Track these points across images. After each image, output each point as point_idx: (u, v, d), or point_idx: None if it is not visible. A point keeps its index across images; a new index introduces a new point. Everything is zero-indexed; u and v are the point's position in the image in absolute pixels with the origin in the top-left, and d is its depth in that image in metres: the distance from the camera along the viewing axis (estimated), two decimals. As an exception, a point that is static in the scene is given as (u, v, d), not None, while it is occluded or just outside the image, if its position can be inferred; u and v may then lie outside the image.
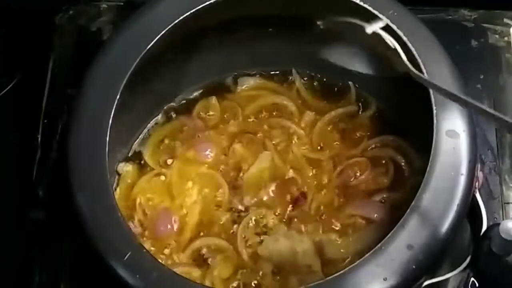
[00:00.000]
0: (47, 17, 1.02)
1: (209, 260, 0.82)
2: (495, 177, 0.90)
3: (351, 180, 0.85)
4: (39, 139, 0.95)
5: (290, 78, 0.93)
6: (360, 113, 0.91)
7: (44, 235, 0.90)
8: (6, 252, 0.90)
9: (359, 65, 0.90)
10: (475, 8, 0.99)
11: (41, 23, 1.02)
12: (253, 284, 0.81)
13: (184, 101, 0.93)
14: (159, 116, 0.92)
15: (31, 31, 1.01)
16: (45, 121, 0.96)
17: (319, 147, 0.89)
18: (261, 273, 0.80)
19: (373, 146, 0.88)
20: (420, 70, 0.74)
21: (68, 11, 1.02)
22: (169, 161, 0.88)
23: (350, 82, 0.91)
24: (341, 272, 0.65)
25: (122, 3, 1.02)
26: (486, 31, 0.98)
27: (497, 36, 0.98)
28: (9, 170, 0.95)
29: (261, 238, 0.82)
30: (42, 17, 1.02)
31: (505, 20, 0.99)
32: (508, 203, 0.89)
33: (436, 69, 0.74)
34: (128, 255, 0.68)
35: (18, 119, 0.99)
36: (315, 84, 0.93)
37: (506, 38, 0.98)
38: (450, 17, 0.99)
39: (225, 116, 0.92)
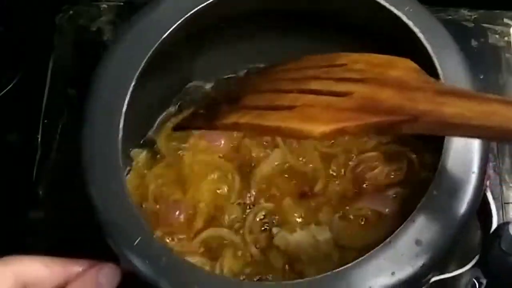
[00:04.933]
0: (47, 17, 1.02)
1: (219, 252, 0.82)
2: (495, 177, 0.90)
3: (364, 174, 0.85)
4: (39, 139, 0.95)
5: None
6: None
7: (44, 235, 0.90)
8: (6, 252, 0.89)
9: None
10: (475, 8, 0.99)
11: (41, 23, 1.02)
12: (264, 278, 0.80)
13: (197, 93, 0.93)
14: (172, 107, 0.92)
15: (31, 31, 1.01)
16: (45, 121, 0.96)
17: (331, 142, 0.88)
18: (271, 267, 0.80)
19: (386, 141, 0.87)
20: (435, 68, 0.73)
21: (68, 11, 1.02)
22: (182, 150, 0.88)
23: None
24: (349, 265, 0.65)
25: (122, 3, 1.02)
26: (486, 31, 0.98)
27: (497, 36, 0.98)
28: (9, 170, 0.95)
29: (272, 231, 0.82)
30: (42, 17, 1.02)
31: (505, 20, 0.99)
32: (508, 203, 0.89)
33: (451, 68, 0.74)
34: (137, 240, 0.67)
35: (18, 119, 0.98)
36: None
37: (506, 38, 0.98)
38: (450, 17, 1.00)
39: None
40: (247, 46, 0.91)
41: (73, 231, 0.89)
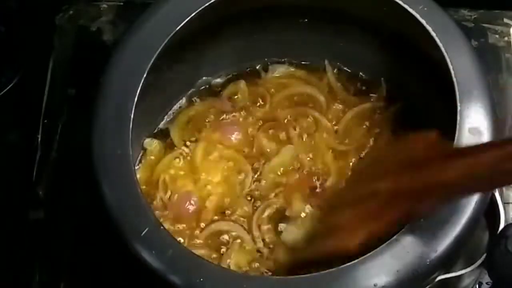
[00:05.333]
0: (47, 17, 1.02)
1: (226, 245, 0.82)
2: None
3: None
4: (39, 139, 0.95)
5: (321, 69, 0.93)
6: (387, 108, 0.90)
7: (44, 235, 0.89)
8: (6, 252, 0.89)
9: (391, 61, 0.89)
10: (475, 8, 1.00)
11: (41, 23, 1.02)
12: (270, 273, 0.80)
13: (212, 85, 0.93)
14: (186, 98, 0.92)
15: (31, 31, 1.01)
16: (45, 121, 0.96)
17: (344, 140, 0.88)
18: (278, 262, 0.80)
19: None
20: (447, 67, 0.73)
21: (68, 11, 1.02)
22: (195, 141, 0.88)
23: (382, 78, 0.90)
24: (354, 261, 0.65)
25: (122, 3, 1.03)
26: (486, 31, 0.99)
27: (497, 36, 0.98)
28: (9, 170, 0.94)
29: (280, 227, 0.82)
30: (42, 17, 1.02)
31: (505, 20, 0.99)
32: (508, 203, 0.89)
33: (462, 66, 0.74)
34: (145, 231, 0.67)
35: (18, 119, 0.99)
36: (346, 77, 0.92)
37: (506, 38, 0.98)
38: (450, 17, 1.00)
39: (253, 101, 0.91)
40: (267, 39, 0.91)
41: (73, 231, 0.89)
